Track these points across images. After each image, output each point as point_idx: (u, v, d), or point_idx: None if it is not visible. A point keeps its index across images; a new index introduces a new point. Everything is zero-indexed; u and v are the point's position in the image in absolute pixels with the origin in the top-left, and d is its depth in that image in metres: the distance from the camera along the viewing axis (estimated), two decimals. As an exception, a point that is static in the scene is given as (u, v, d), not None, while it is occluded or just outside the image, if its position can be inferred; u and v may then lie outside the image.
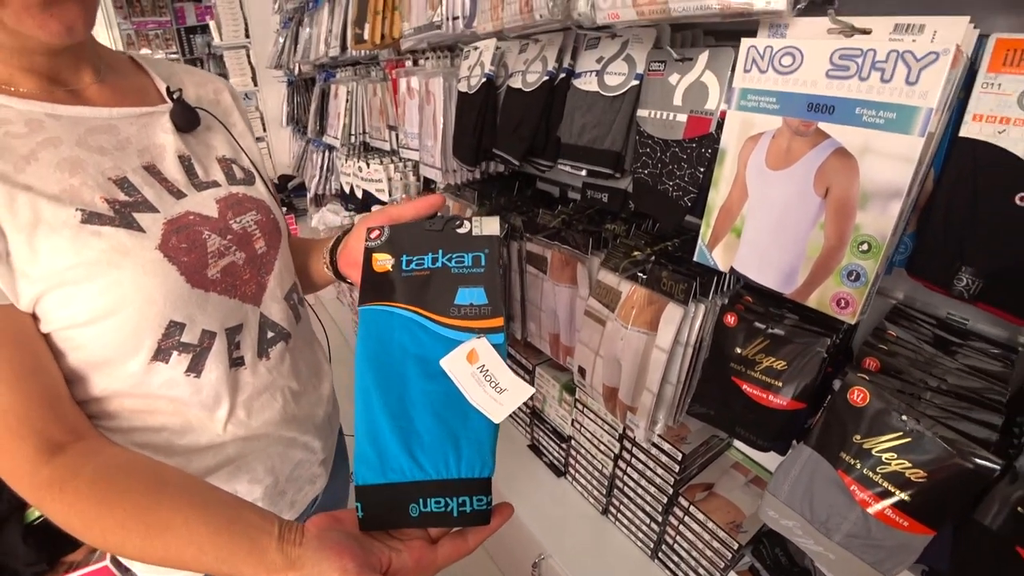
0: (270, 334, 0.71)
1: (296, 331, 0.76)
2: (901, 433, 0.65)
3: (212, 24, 3.97)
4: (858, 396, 0.68)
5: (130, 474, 0.50)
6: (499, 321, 0.53)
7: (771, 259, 0.68)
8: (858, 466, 0.68)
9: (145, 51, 6.02)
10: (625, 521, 1.28)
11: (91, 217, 0.53)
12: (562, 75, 0.96)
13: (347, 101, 1.93)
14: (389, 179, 1.78)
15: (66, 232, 0.52)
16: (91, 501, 0.48)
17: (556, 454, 1.46)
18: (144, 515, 0.48)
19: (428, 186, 1.76)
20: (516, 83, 1.03)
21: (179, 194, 0.62)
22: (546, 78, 0.95)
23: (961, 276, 0.65)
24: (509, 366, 0.52)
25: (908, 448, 0.65)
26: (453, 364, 0.51)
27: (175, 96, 0.66)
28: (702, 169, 0.73)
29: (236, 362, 0.66)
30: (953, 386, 0.70)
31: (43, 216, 0.51)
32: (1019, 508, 0.61)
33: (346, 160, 1.99)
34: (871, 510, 0.68)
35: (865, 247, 0.60)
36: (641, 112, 0.81)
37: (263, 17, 3.52)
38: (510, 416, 1.62)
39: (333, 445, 0.91)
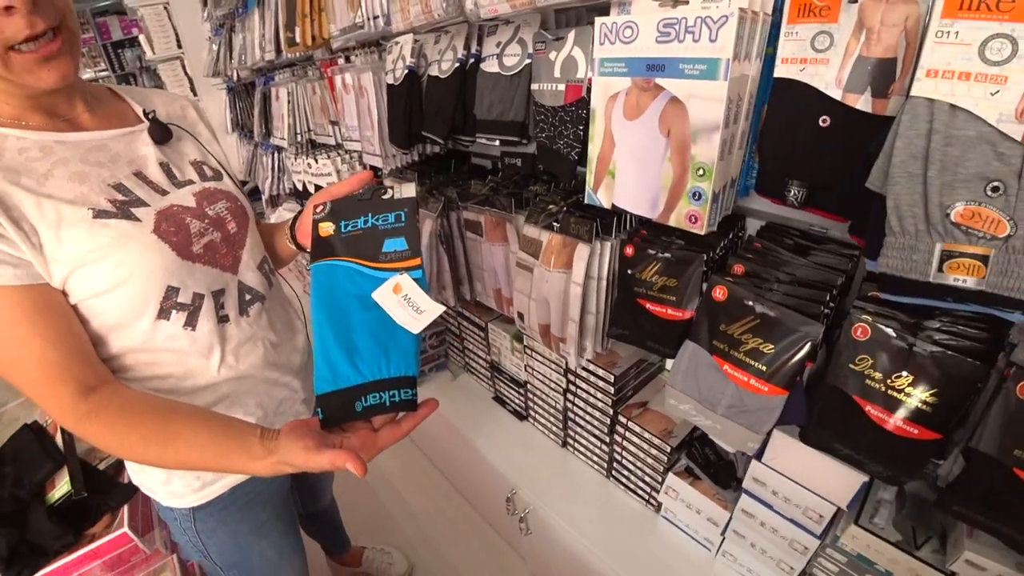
0: (247, 296, 0.88)
1: (270, 294, 0.93)
2: (752, 316, 0.83)
3: (142, 37, 3.93)
4: (719, 293, 0.85)
5: (148, 404, 0.69)
6: (417, 261, 0.69)
7: (639, 192, 0.85)
8: (726, 349, 0.86)
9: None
10: (581, 448, 1.46)
11: (100, 213, 0.70)
12: (471, 60, 1.10)
13: (289, 102, 2.04)
14: (338, 171, 1.90)
15: (83, 226, 0.68)
16: (120, 423, 0.66)
17: (517, 401, 1.63)
18: (161, 429, 0.66)
19: (376, 173, 1.90)
20: (434, 71, 1.17)
21: (163, 192, 0.79)
22: (457, 64, 1.10)
23: (790, 188, 0.83)
24: (429, 295, 0.68)
25: (758, 328, 0.82)
26: (382, 295, 0.67)
27: (150, 117, 0.83)
28: (581, 127, 0.89)
29: (223, 319, 0.83)
30: (798, 278, 0.88)
31: (64, 216, 0.67)
32: (850, 365, 0.78)
33: (295, 159, 2.11)
34: (740, 383, 0.85)
35: (701, 172, 0.77)
36: (534, 86, 0.97)
37: (193, 26, 3.48)
38: (475, 373, 1.79)
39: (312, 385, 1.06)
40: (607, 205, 0.90)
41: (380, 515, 2.03)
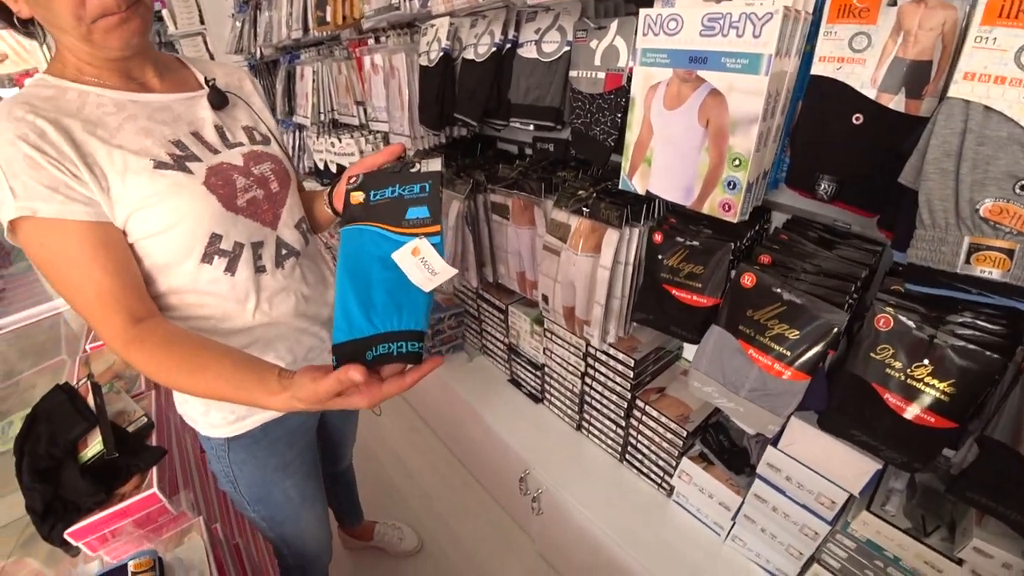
0: (284, 251, 0.95)
1: (305, 251, 1.00)
2: (779, 303, 0.85)
3: (165, 12, 3.94)
4: (748, 280, 0.88)
5: (185, 337, 0.76)
6: (437, 228, 0.73)
7: (674, 179, 0.87)
8: (752, 334, 0.89)
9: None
10: (596, 432, 1.49)
11: (159, 164, 0.78)
12: (508, 45, 1.12)
13: (314, 81, 2.06)
14: (361, 151, 1.92)
15: (144, 174, 0.77)
16: (160, 351, 0.73)
17: (533, 383, 1.66)
18: (192, 359, 0.73)
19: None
20: (469, 55, 1.19)
21: (215, 151, 0.87)
22: (494, 49, 1.12)
23: (820, 182, 0.85)
24: (445, 260, 0.71)
25: (785, 314, 0.85)
26: (401, 256, 0.70)
27: (210, 84, 0.91)
28: (619, 115, 0.92)
29: (259, 269, 0.90)
30: (823, 269, 0.90)
31: (129, 165, 0.76)
32: (871, 354, 0.81)
33: (317, 138, 2.13)
34: (764, 367, 0.88)
35: (737, 162, 0.79)
36: (573, 73, 0.99)
37: (216, 2, 3.51)
38: (491, 355, 1.82)
39: None
40: (641, 191, 0.92)
41: (391, 492, 2.08)
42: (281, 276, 0.94)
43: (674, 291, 1.03)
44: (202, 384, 0.72)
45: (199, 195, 0.81)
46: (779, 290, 0.85)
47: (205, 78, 0.93)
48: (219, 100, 0.91)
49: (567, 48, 1.00)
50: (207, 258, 0.83)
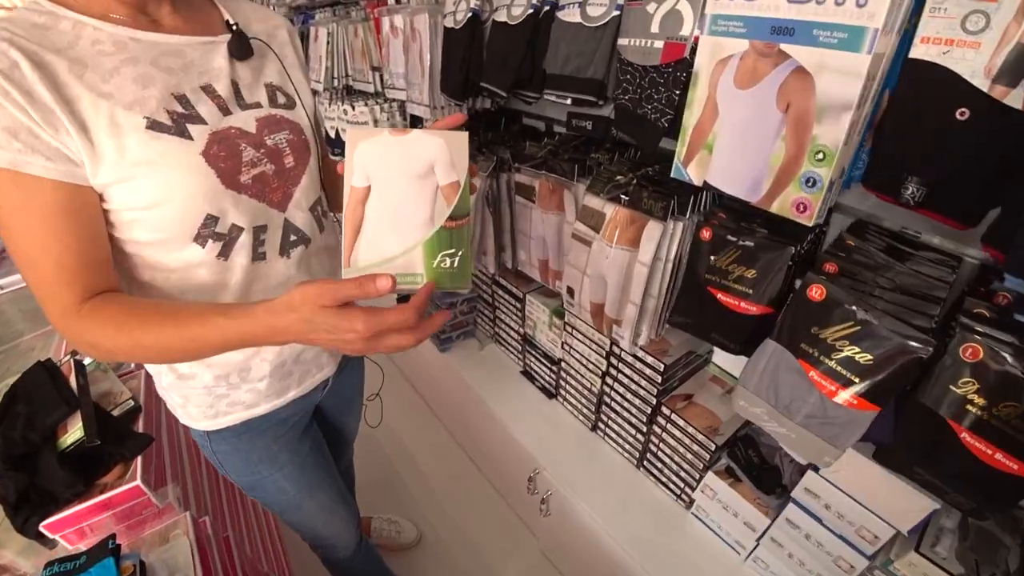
0: (292, 237, 0.83)
1: (318, 239, 0.88)
2: (852, 323, 0.74)
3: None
4: (816, 292, 0.77)
5: (152, 299, 0.71)
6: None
7: (739, 171, 0.75)
8: (816, 354, 0.78)
9: None
10: (613, 434, 1.39)
11: (154, 124, 0.66)
12: (546, 8, 0.99)
13: (328, 44, 1.92)
14: (375, 120, 1.80)
15: (133, 136, 0.64)
16: (120, 312, 0.64)
17: (547, 377, 1.56)
18: (159, 309, 0.65)
19: (414, 124, 1.79)
20: (501, 17, 1.06)
21: (226, 111, 0.74)
22: (531, 11, 0.99)
23: (907, 185, 0.73)
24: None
25: (858, 335, 0.74)
26: None
27: (234, 28, 0.78)
28: (677, 92, 0.79)
29: (259, 256, 0.79)
30: (900, 285, 0.79)
31: (117, 121, 0.63)
32: (951, 387, 0.70)
33: (330, 104, 2.00)
34: (826, 392, 0.77)
35: (820, 156, 0.67)
36: (622, 41, 0.86)
37: None
38: (503, 344, 1.73)
39: None
40: (696, 182, 0.81)
41: (391, 480, 2.00)
42: (283, 266, 0.83)
43: (719, 295, 0.92)
44: (174, 333, 0.63)
45: (194, 169, 0.69)
46: (853, 307, 0.73)
47: (228, 21, 0.79)
48: (241, 49, 0.77)
49: (617, 12, 0.87)
50: (199, 239, 0.73)
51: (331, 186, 0.94)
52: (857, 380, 0.75)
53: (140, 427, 1.07)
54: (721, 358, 1.32)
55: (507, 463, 1.62)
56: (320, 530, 1.15)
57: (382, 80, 1.71)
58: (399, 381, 2.40)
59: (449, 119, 0.71)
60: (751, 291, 0.89)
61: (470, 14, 1.11)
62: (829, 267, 0.83)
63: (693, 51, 0.75)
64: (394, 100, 1.77)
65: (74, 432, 0.96)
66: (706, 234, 0.91)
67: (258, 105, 0.78)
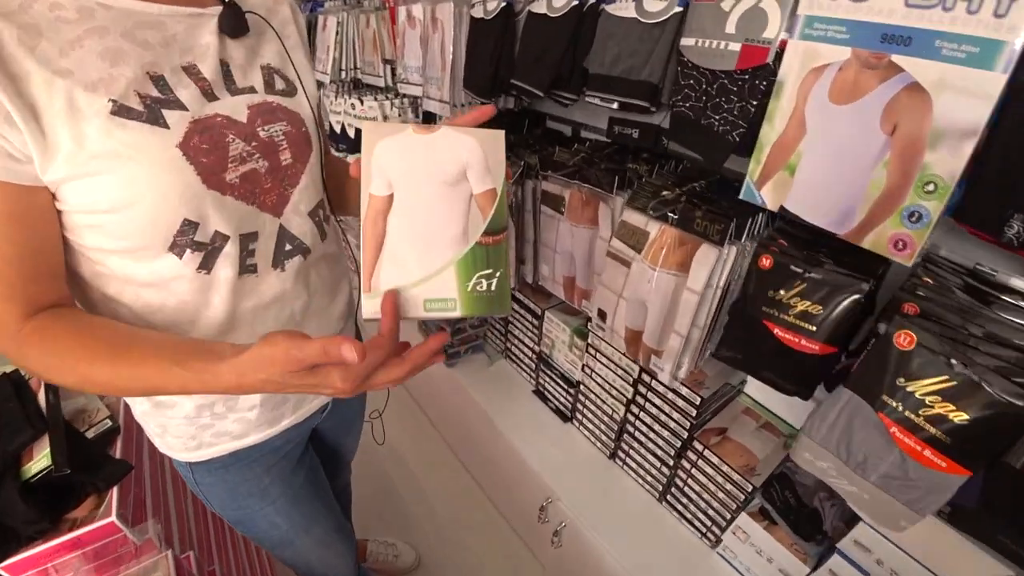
0: (288, 247, 0.71)
1: (319, 248, 0.77)
2: (947, 377, 0.64)
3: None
4: (905, 340, 0.67)
5: (105, 323, 0.59)
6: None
7: (827, 198, 0.65)
8: (900, 409, 0.68)
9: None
10: (634, 464, 1.29)
11: (120, 109, 0.54)
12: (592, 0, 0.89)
13: (337, 33, 1.80)
14: (385, 116, 1.69)
15: (94, 122, 0.52)
16: (67, 338, 0.55)
17: (563, 400, 1.46)
18: (113, 344, 0.55)
19: (427, 122, 1.68)
20: (540, 8, 0.96)
21: (212, 96, 0.61)
22: (575, 2, 0.89)
23: (1012, 223, 0.63)
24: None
25: (954, 392, 0.64)
26: None
27: (227, 0, 0.64)
28: (754, 102, 0.69)
29: (248, 268, 0.67)
30: (992, 334, 0.69)
31: (76, 103, 0.51)
32: (1054, 450, 0.61)
33: (336, 97, 1.88)
34: (909, 451, 0.68)
35: (931, 187, 0.58)
36: (686, 40, 0.76)
37: None
38: (515, 361, 1.62)
39: None
40: (772, 206, 0.71)
41: (390, 500, 1.89)
42: (276, 280, 0.71)
43: (777, 330, 0.83)
44: (128, 374, 0.54)
45: (169, 163, 0.57)
46: (951, 360, 0.64)
47: None
48: (235, 24, 0.65)
49: (680, 8, 0.77)
50: (175, 248, 0.61)
51: (335, 187, 0.82)
52: (948, 440, 0.65)
53: (118, 451, 0.95)
54: (754, 388, 1.23)
55: (516, 488, 1.52)
56: (315, 566, 1.04)
57: (394, 74, 1.60)
58: (402, 396, 2.27)
59: (476, 112, 0.60)
60: (815, 329, 0.79)
61: (504, 3, 1.00)
62: (909, 308, 0.73)
63: (778, 57, 0.65)
64: (407, 96, 1.66)
65: (40, 459, 0.84)
66: (766, 262, 0.82)
67: (251, 90, 0.66)
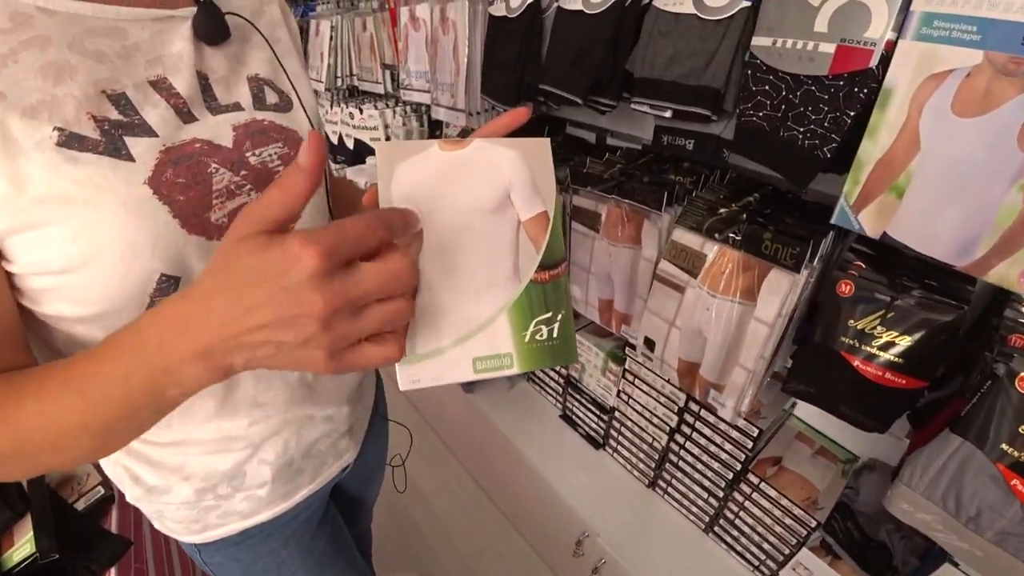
0: None
1: None
2: (1089, 426, 0.56)
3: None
4: (1034, 384, 0.58)
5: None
6: None
7: (943, 226, 0.56)
8: (1023, 459, 0.60)
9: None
10: (676, 495, 1.21)
11: (70, 139, 0.42)
12: (635, -6, 0.79)
13: (331, 39, 1.68)
14: (386, 125, 1.58)
15: (38, 157, 0.40)
16: None
17: (595, 426, 1.36)
18: (42, 372, 0.41)
19: (434, 131, 1.57)
20: (573, 4, 0.85)
21: (188, 116, 0.50)
22: (617, -3, 0.79)
23: None
24: None
25: (1096, 443, 0.56)
26: None
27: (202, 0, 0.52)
28: (851, 113, 0.59)
29: None
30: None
31: (12, 133, 0.40)
32: None
33: (331, 106, 1.77)
34: (1038, 508, 0.59)
35: (1085, 211, 0.49)
36: (761, 40, 0.66)
37: None
38: (539, 384, 1.52)
39: (367, 410, 0.83)
40: (873, 233, 0.61)
41: (411, 536, 1.77)
42: None
43: (857, 363, 0.74)
44: (51, 400, 0.39)
45: (137, 205, 0.45)
46: (1097, 407, 0.55)
47: None
48: (212, 28, 0.53)
49: (748, 2, 0.67)
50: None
51: (341, 214, 0.70)
52: (1087, 497, 0.57)
53: (114, 523, 0.84)
54: (806, 411, 1.14)
55: (546, 519, 1.42)
56: None
57: (395, 79, 1.49)
58: (426, 432, 2.14)
59: (508, 117, 0.47)
60: (903, 362, 0.70)
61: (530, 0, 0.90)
62: (1017, 340, 0.64)
63: (884, 60, 0.56)
64: (411, 102, 1.55)
65: (23, 545, 0.73)
66: (845, 288, 0.73)
67: (237, 107, 0.55)
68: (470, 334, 0.44)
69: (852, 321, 0.73)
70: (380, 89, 1.58)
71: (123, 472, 0.63)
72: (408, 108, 1.57)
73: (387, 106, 1.60)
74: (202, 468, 0.61)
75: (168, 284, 0.48)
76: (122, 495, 0.88)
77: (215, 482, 0.63)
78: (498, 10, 0.97)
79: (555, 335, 0.46)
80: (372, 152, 1.67)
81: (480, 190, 0.45)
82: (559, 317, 0.46)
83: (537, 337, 0.45)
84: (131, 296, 0.47)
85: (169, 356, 0.35)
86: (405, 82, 1.39)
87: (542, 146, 0.47)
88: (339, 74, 1.73)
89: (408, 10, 1.30)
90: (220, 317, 0.33)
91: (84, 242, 0.43)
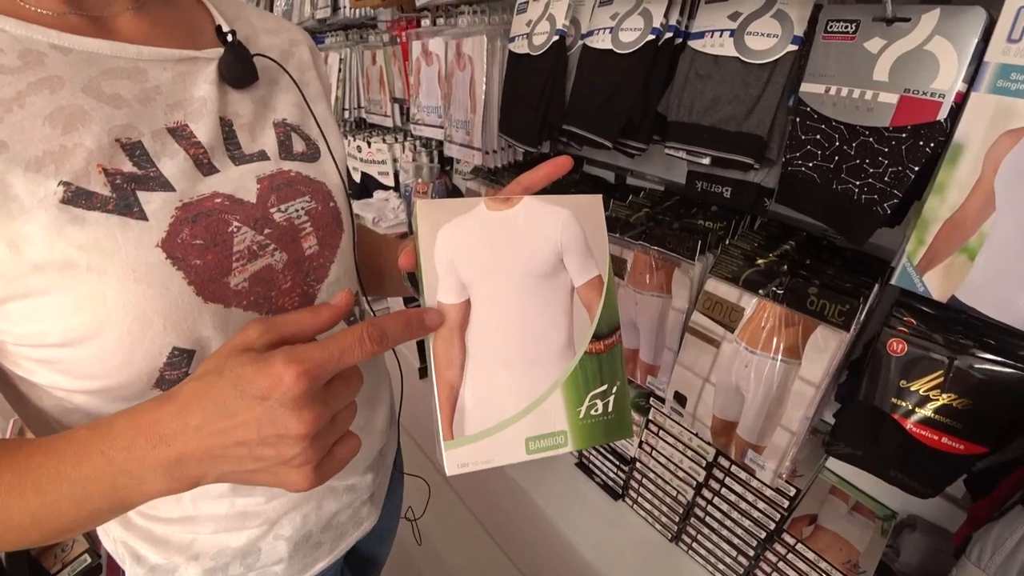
0: None
1: None
2: None
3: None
4: None
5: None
6: None
7: (1019, 289, 0.52)
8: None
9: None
10: (702, 551, 1.14)
11: (77, 196, 0.38)
12: (668, 34, 0.76)
13: (340, 71, 1.66)
14: (395, 160, 1.54)
15: (40, 216, 0.36)
16: None
17: (614, 476, 1.29)
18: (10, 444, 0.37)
19: (444, 167, 1.53)
20: (602, 43, 0.82)
21: (208, 168, 0.45)
22: (650, 37, 0.75)
23: None
24: None
25: None
26: None
27: (229, 39, 0.49)
28: (915, 168, 0.55)
29: None
30: None
31: (13, 190, 0.36)
32: None
33: (338, 137, 1.74)
34: None
35: None
36: (810, 87, 0.62)
37: None
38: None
39: (388, 472, 0.77)
40: (940, 297, 0.57)
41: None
42: None
43: (910, 425, 0.69)
44: (1, 497, 0.35)
45: (149, 272, 0.40)
46: None
47: (220, 27, 0.51)
48: (239, 70, 0.50)
49: (793, 46, 0.64)
50: (164, 385, 0.44)
51: (369, 266, 0.66)
52: None
53: (107, 594, 0.78)
54: (837, 463, 1.09)
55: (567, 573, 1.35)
56: None
57: (405, 113, 1.46)
58: (439, 483, 2.04)
59: (549, 168, 0.44)
60: (962, 426, 0.66)
61: (556, 37, 0.86)
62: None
63: (954, 112, 0.52)
64: (420, 137, 1.52)
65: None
66: (897, 347, 0.68)
67: (262, 156, 0.50)
68: (522, 413, 0.41)
69: (905, 382, 0.68)
70: (389, 122, 1.55)
71: (123, 550, 0.57)
72: (417, 143, 1.54)
73: (396, 140, 1.57)
74: (213, 546, 0.56)
75: (181, 358, 0.43)
76: (112, 564, 0.82)
77: (226, 561, 0.57)
78: (520, 47, 0.94)
79: (610, 409, 0.43)
80: (379, 186, 1.63)
81: (531, 255, 0.42)
82: (614, 390, 0.43)
83: (592, 412, 0.42)
84: (138, 372, 0.42)
85: (137, 461, 0.34)
86: (416, 116, 1.36)
87: (594, 203, 0.44)
88: (347, 106, 1.70)
89: (421, 44, 1.27)
90: (199, 430, 0.33)
91: (87, 313, 0.38)
